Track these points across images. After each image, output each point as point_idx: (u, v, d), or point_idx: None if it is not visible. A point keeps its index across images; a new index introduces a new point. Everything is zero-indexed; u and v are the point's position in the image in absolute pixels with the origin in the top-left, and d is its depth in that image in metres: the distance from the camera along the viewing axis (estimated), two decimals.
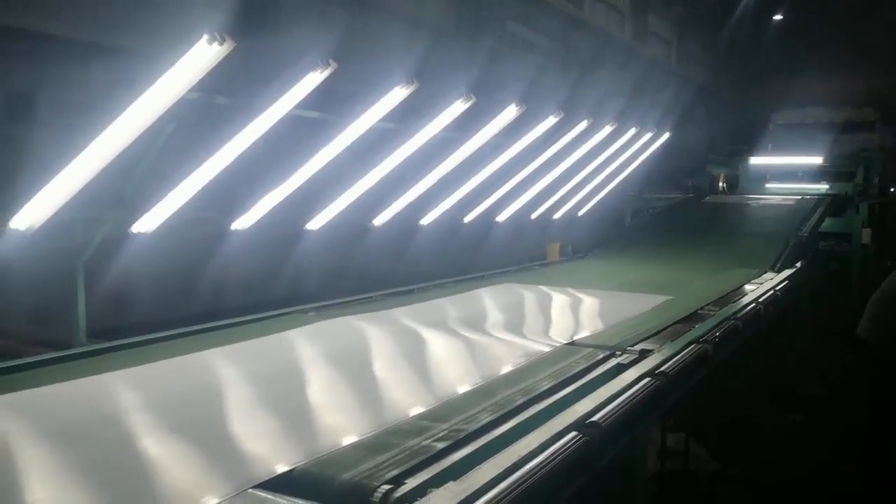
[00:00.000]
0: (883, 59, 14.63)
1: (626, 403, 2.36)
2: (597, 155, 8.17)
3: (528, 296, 4.95)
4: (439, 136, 5.35)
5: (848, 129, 12.38)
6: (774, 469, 5.32)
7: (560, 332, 3.57)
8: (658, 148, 9.55)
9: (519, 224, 8.18)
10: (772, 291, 4.80)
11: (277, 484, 1.74)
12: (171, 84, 3.28)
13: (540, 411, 2.26)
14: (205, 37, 3.06)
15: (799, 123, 12.71)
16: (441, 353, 3.32)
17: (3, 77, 3.35)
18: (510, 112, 5.69)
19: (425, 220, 6.64)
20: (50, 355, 2.89)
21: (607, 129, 7.69)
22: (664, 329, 3.57)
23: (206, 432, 2.14)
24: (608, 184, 9.39)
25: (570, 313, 4.66)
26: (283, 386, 2.68)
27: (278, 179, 4.62)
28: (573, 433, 2.02)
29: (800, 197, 9.25)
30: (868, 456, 5.44)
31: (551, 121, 6.45)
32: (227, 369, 2.94)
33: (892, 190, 11.56)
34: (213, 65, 3.21)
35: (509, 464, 1.77)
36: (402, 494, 1.64)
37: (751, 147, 11.99)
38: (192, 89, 3.35)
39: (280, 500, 1.65)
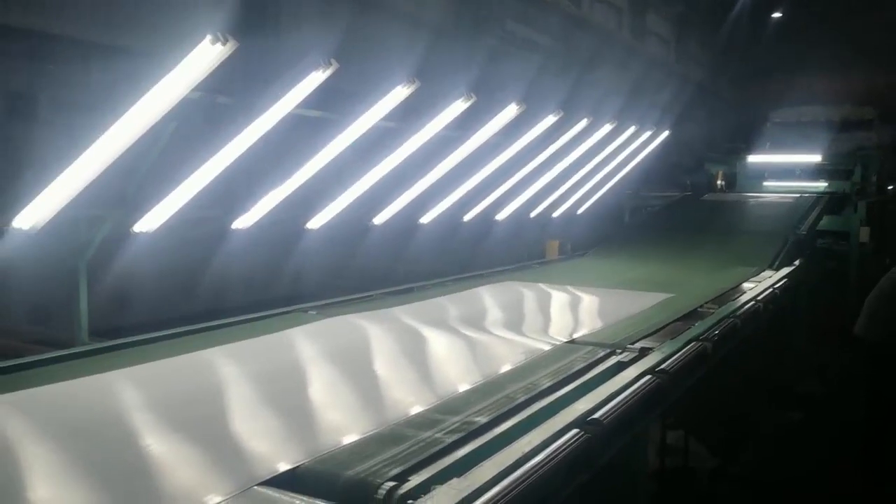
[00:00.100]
0: (882, 58, 14.64)
1: (627, 401, 2.37)
2: (596, 153, 8.19)
3: (528, 294, 4.96)
4: (439, 135, 5.36)
5: (846, 128, 12.39)
6: (773, 467, 5.34)
7: (560, 331, 3.59)
8: (657, 146, 9.58)
9: (518, 222, 8.19)
10: (770, 289, 4.81)
11: (281, 481, 1.75)
12: (173, 84, 3.29)
13: (541, 409, 2.27)
14: (208, 37, 3.07)
15: (797, 122, 12.72)
16: (441, 352, 3.33)
17: (7, 77, 3.36)
18: (510, 111, 5.71)
19: (425, 219, 6.65)
20: (52, 354, 2.89)
21: (606, 128, 7.71)
22: (664, 327, 3.59)
23: (207, 431, 2.15)
24: (607, 182, 9.41)
25: (570, 311, 4.68)
26: (283, 384, 2.69)
27: (279, 179, 4.64)
28: (575, 430, 2.03)
29: (798, 195, 9.26)
30: (867, 454, 5.46)
31: (550, 119, 6.47)
32: (229, 368, 2.95)
33: (889, 188, 11.57)
34: (216, 65, 3.22)
35: (512, 461, 1.78)
36: (407, 491, 1.65)
37: (749, 145, 12.00)
38: (194, 89, 3.36)
39: (284, 498, 1.66)
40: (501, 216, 7.88)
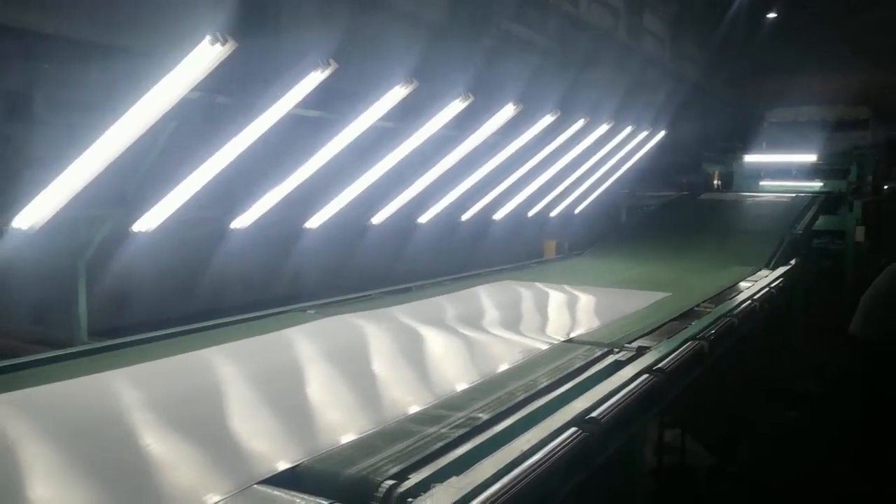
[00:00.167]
0: (878, 57, 14.68)
1: (624, 400, 2.39)
2: (593, 153, 8.22)
3: (526, 293, 4.97)
4: (437, 134, 5.38)
5: (841, 127, 12.45)
6: (770, 466, 5.36)
7: (557, 330, 3.59)
8: (653, 146, 9.61)
9: (516, 222, 8.22)
10: (767, 289, 4.83)
11: (281, 480, 1.75)
12: (172, 84, 3.30)
13: (539, 408, 2.29)
14: (207, 37, 3.08)
15: (793, 121, 12.76)
16: (439, 351, 3.34)
17: (6, 76, 3.37)
18: (507, 111, 5.73)
19: (423, 219, 6.67)
20: (51, 354, 2.90)
21: (603, 128, 7.74)
22: (661, 326, 3.60)
23: (206, 430, 2.16)
24: (604, 182, 9.44)
25: (568, 311, 4.69)
26: (282, 384, 2.70)
27: (278, 178, 4.65)
28: (573, 429, 2.04)
29: (794, 195, 9.29)
30: (863, 452, 5.48)
31: (548, 119, 6.49)
32: (227, 367, 2.95)
33: (885, 187, 11.61)
34: (215, 65, 3.23)
35: (511, 459, 1.79)
36: (406, 489, 1.66)
37: (745, 145, 12.03)
38: (193, 89, 3.37)
39: (284, 496, 1.67)
40: (499, 216, 7.90)
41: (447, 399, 2.39)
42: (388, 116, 4.72)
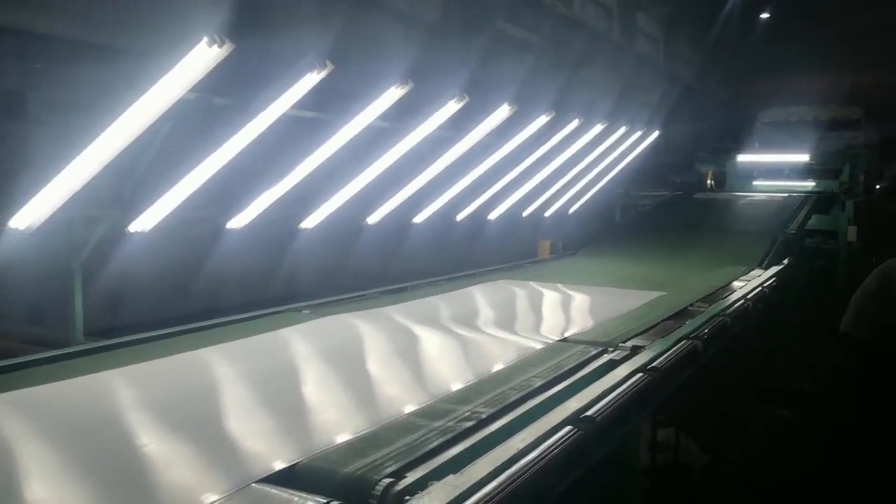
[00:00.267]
0: (870, 57, 14.73)
1: (619, 398, 2.40)
2: (587, 153, 8.25)
3: (520, 293, 4.99)
4: (433, 135, 5.39)
5: (834, 127, 12.50)
6: (764, 465, 5.39)
7: (552, 329, 3.61)
8: (647, 146, 9.64)
9: (511, 222, 8.24)
10: (760, 288, 4.86)
11: (279, 479, 1.76)
12: (170, 85, 3.31)
13: (534, 407, 2.30)
14: (205, 39, 3.09)
15: (785, 121, 12.81)
16: (435, 351, 3.35)
17: (1, 76, 3.37)
18: (502, 111, 5.75)
19: (419, 219, 6.69)
20: (46, 354, 2.89)
21: (598, 128, 7.77)
22: (655, 325, 3.62)
23: (203, 430, 2.16)
24: (598, 182, 9.47)
25: (562, 310, 4.70)
26: (278, 384, 2.70)
27: (273, 178, 4.66)
28: (568, 427, 2.06)
29: (787, 194, 9.34)
30: (857, 452, 5.51)
31: (542, 120, 6.52)
32: (223, 367, 2.96)
33: (877, 187, 11.67)
34: (212, 66, 3.24)
35: (507, 457, 1.80)
36: (404, 487, 1.68)
37: (738, 145, 12.07)
38: (191, 90, 3.38)
39: (282, 495, 1.67)
40: (494, 216, 7.92)
41: (442, 398, 2.40)
42: (383, 117, 4.74)
